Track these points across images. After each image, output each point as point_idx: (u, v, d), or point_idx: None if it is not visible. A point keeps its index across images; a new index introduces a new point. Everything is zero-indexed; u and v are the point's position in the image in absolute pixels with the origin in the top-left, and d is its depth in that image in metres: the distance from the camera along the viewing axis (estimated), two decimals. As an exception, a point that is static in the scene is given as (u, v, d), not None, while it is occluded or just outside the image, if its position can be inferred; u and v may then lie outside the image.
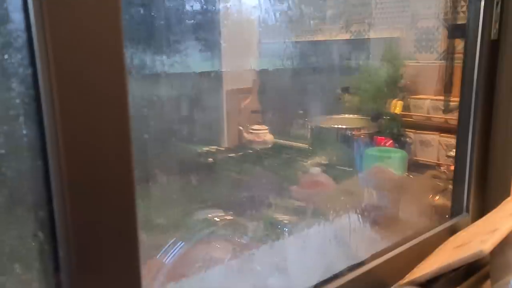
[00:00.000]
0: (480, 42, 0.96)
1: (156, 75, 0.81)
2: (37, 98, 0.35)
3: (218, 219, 1.02)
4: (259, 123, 1.60)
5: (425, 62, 1.71)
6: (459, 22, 1.24)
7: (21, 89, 0.35)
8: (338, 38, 1.90)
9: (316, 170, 1.28)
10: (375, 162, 1.33)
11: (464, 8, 1.22)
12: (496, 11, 0.91)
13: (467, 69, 0.99)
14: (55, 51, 0.33)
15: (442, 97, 1.60)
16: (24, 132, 0.36)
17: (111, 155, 0.38)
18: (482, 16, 0.93)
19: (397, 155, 1.37)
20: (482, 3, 0.92)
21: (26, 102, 0.35)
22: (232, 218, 1.02)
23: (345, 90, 1.63)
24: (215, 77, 1.26)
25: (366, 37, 1.88)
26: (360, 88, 1.58)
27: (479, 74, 0.97)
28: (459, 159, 1.05)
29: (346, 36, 1.92)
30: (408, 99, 1.71)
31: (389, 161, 1.33)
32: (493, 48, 0.96)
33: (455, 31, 1.22)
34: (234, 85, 1.58)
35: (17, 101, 0.35)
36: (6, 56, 0.35)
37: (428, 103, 1.63)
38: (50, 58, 0.33)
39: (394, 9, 1.80)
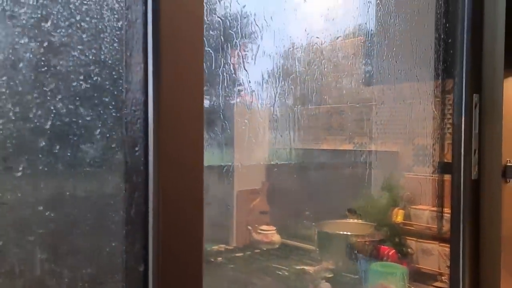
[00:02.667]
0: (463, 181, 1.09)
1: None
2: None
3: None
4: (267, 224, 1.69)
5: (422, 175, 1.84)
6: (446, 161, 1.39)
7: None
8: (342, 148, 2.06)
9: (326, 286, 1.35)
10: (379, 278, 1.40)
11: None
12: (475, 157, 1.06)
13: (454, 204, 1.11)
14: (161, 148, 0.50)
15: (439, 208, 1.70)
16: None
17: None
18: (463, 160, 1.07)
19: (399, 271, 1.44)
20: (462, 150, 1.07)
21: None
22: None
23: (352, 211, 1.74)
24: (226, 176, 1.38)
25: (368, 149, 2.03)
26: (365, 210, 1.70)
27: (465, 207, 1.09)
28: (453, 268, 1.14)
29: (350, 147, 2.07)
30: (409, 209, 1.81)
31: (391, 278, 1.40)
32: (474, 187, 1.09)
33: (443, 167, 1.36)
34: (245, 186, 1.69)
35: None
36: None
37: (427, 213, 1.73)
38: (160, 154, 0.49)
39: (393, 126, 1.97)
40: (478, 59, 1.06)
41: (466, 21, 1.04)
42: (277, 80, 1.30)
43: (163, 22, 0.55)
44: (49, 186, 0.53)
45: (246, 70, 1.19)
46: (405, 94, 1.59)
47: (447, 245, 1.57)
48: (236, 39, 1.12)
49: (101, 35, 0.56)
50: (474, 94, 1.06)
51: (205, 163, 0.59)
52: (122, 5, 0.56)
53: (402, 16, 1.32)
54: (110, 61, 0.56)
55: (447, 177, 1.66)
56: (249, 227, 1.68)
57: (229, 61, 1.11)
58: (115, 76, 0.57)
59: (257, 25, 1.17)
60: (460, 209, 1.11)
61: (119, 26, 0.56)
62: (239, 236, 1.67)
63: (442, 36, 1.17)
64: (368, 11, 1.38)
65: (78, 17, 0.55)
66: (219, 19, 1.07)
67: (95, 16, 0.56)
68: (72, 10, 0.54)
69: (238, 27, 1.11)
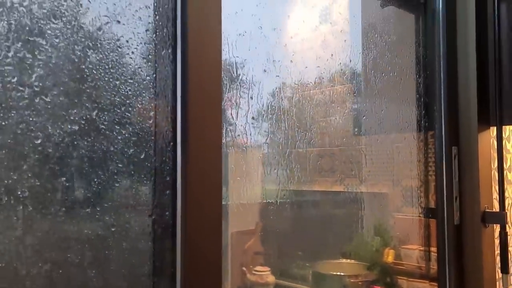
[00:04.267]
0: (447, 225, 1.18)
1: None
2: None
3: None
4: (261, 264, 1.73)
5: (411, 216, 1.91)
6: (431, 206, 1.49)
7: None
8: (333, 189, 2.14)
9: None
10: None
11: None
12: (456, 203, 1.15)
13: (439, 247, 1.19)
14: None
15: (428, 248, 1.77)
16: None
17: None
18: (446, 206, 1.16)
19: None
20: (445, 197, 1.17)
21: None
22: None
23: (346, 255, 1.80)
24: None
25: (358, 190, 2.12)
26: (358, 250, 1.76)
27: (449, 251, 1.18)
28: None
29: (340, 188, 2.15)
30: (399, 248, 1.87)
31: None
32: (456, 231, 1.18)
33: (428, 212, 1.45)
34: (239, 227, 1.74)
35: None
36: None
37: (417, 253, 1.80)
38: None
39: (382, 169, 2.07)
40: (455, 116, 1.18)
41: (442, 82, 1.16)
42: (269, 121, 1.39)
43: (191, 77, 0.65)
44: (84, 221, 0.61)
45: (240, 111, 1.27)
46: (392, 141, 1.69)
47: (436, 284, 1.64)
48: (228, 83, 1.20)
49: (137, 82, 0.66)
50: (453, 147, 1.17)
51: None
52: (151, 57, 0.66)
53: (386, 77, 1.43)
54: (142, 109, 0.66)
55: (423, 219, 1.75)
56: (244, 268, 1.71)
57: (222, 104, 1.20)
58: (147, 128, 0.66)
59: (251, 70, 1.25)
60: (445, 252, 1.19)
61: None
62: (234, 277, 1.70)
63: (423, 95, 1.29)
64: (355, 70, 1.50)
65: (115, 71, 0.64)
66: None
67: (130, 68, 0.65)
68: (109, 68, 0.64)
69: (233, 71, 1.20)
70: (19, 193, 0.56)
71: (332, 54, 1.47)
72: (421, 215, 1.83)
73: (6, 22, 0.55)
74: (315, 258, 1.77)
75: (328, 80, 1.56)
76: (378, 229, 1.90)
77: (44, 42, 0.58)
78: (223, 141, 1.25)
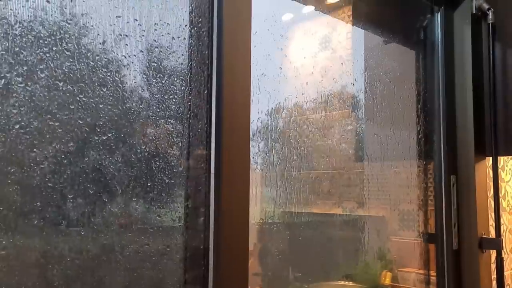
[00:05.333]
0: (446, 250, 1.24)
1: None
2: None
3: None
4: (260, 286, 1.75)
5: (408, 239, 1.97)
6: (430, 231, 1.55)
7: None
8: (331, 212, 2.18)
9: None
10: None
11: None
12: (454, 229, 1.21)
13: (438, 271, 1.25)
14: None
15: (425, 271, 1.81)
16: None
17: None
18: (445, 232, 1.22)
19: None
20: (444, 223, 1.23)
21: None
22: None
23: (348, 277, 1.84)
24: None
25: (356, 213, 2.16)
26: (356, 272, 1.80)
27: (448, 275, 1.23)
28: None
29: (339, 211, 2.20)
30: (397, 271, 1.92)
31: None
32: (455, 256, 1.24)
33: (428, 237, 1.51)
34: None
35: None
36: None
37: (414, 275, 1.84)
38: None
39: (379, 192, 2.12)
40: (453, 146, 1.25)
41: (442, 114, 1.24)
42: (268, 143, 1.44)
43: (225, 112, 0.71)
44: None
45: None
46: (392, 168, 1.75)
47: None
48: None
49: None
50: (451, 175, 1.24)
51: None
52: (184, 88, 0.72)
53: (388, 108, 1.51)
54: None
55: (423, 243, 1.80)
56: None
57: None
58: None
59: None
60: (445, 275, 1.25)
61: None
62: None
63: (423, 126, 1.37)
64: (357, 97, 1.57)
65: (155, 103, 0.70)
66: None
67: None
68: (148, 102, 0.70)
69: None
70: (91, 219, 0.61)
71: (335, 81, 1.54)
72: (420, 239, 1.87)
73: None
74: (313, 279, 1.79)
75: (329, 106, 1.62)
76: (377, 252, 1.95)
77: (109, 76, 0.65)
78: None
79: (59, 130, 0.60)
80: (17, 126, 0.57)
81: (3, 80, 0.56)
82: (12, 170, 0.57)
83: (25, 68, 0.57)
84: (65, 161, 0.61)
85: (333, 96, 1.60)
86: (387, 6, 1.41)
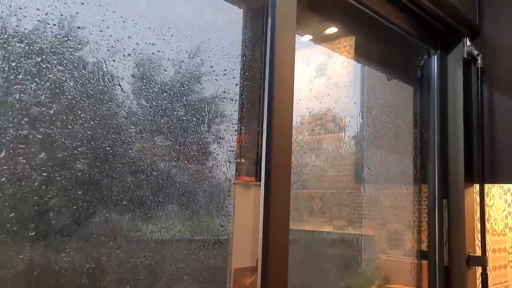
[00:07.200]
0: (438, 266, 1.39)
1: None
2: None
3: None
4: None
5: (396, 257, 2.10)
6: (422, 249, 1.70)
7: None
8: (322, 229, 2.29)
9: None
10: None
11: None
12: (446, 247, 1.37)
13: (431, 285, 1.40)
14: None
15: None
16: None
17: None
18: (437, 247, 1.37)
19: None
20: (437, 238, 1.38)
21: None
22: None
23: None
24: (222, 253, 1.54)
25: (346, 231, 2.28)
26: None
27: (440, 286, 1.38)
28: None
29: (330, 229, 2.32)
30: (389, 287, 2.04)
31: None
32: (446, 272, 1.39)
33: (421, 254, 1.67)
34: (241, 264, 1.83)
35: None
36: None
37: (405, 291, 1.97)
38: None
39: (369, 211, 2.26)
40: (445, 174, 1.42)
41: (436, 145, 1.41)
42: None
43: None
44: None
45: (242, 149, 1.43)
46: (388, 190, 1.89)
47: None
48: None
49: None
50: (444, 199, 1.40)
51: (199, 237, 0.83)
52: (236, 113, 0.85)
53: (386, 137, 1.66)
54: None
55: (415, 260, 1.95)
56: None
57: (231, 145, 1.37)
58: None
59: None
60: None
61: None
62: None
63: (419, 155, 1.54)
64: (356, 126, 1.71)
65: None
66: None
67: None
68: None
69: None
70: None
71: (334, 106, 1.67)
72: (413, 257, 2.01)
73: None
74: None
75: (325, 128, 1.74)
76: (365, 268, 2.07)
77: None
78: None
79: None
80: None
81: None
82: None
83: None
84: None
85: (328, 120, 1.72)
86: (388, 45, 1.58)
